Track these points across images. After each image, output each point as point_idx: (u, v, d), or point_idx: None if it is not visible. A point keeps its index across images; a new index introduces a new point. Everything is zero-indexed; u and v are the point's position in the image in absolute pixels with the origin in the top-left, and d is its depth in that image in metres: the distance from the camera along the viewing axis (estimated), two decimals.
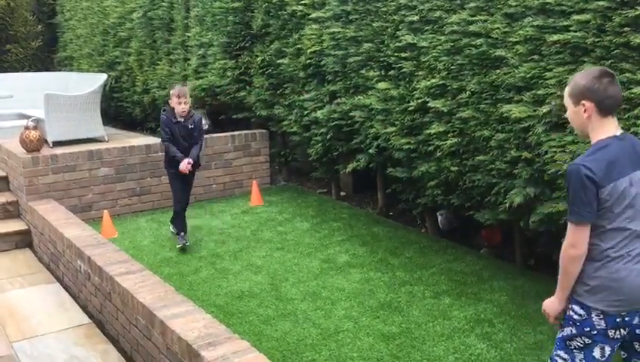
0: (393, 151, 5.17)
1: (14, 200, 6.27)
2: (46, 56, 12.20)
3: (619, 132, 2.36)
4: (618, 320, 2.31)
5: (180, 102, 5.15)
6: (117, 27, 9.57)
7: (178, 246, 5.38)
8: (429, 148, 4.81)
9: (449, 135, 4.61)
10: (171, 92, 5.28)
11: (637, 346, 2.39)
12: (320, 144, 6.18)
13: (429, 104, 4.70)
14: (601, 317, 2.31)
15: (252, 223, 6.06)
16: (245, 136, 7.22)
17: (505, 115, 4.08)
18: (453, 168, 4.66)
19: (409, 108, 4.91)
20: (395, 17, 5.01)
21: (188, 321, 3.18)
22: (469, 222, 5.15)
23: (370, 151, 5.49)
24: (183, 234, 5.45)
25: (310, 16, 5.95)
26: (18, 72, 11.08)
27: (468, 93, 4.41)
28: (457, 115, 4.50)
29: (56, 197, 6.03)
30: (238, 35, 7.00)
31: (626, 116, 3.46)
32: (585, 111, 2.34)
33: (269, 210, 6.48)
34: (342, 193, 6.97)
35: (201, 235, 5.72)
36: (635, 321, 2.33)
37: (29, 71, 11.48)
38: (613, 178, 2.26)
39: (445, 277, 4.63)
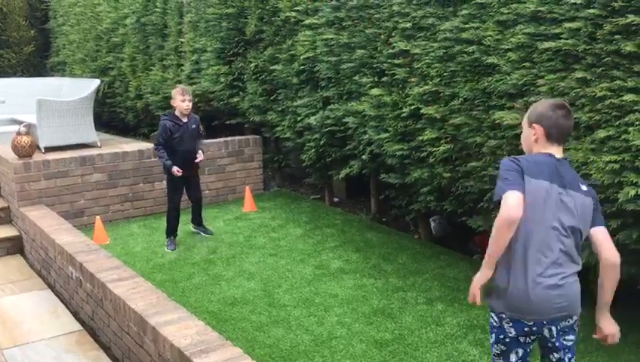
0: (386, 157, 5.18)
1: (6, 206, 6.24)
2: (39, 61, 12.18)
3: (559, 156, 2.49)
4: (526, 329, 2.43)
5: (184, 99, 5.35)
6: (110, 32, 9.56)
7: (168, 249, 5.50)
8: (422, 155, 4.82)
9: (442, 141, 4.63)
10: (174, 92, 5.45)
11: (552, 357, 2.50)
12: (313, 150, 6.19)
13: (421, 110, 4.72)
14: (511, 324, 2.45)
15: (245, 229, 6.05)
16: (238, 141, 7.22)
17: (497, 121, 4.10)
18: (445, 174, 4.67)
19: (402, 115, 4.93)
20: (388, 24, 5.03)
21: (180, 328, 3.17)
22: (461, 228, 5.16)
23: (364, 157, 5.50)
24: (173, 238, 5.57)
25: (304, 22, 5.96)
26: (11, 77, 11.05)
27: (460, 99, 4.43)
28: (450, 122, 4.52)
29: (48, 203, 6.00)
30: (232, 40, 7.01)
31: (617, 123, 3.48)
32: (534, 134, 2.51)
33: (262, 215, 6.47)
34: (335, 199, 6.97)
35: (194, 241, 5.71)
36: (545, 332, 2.44)
37: (21, 76, 11.46)
38: (535, 176, 2.37)
39: (438, 283, 4.63)
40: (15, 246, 5.91)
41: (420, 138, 4.77)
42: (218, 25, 7.10)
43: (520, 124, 3.94)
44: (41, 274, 5.33)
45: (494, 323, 2.52)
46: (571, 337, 2.47)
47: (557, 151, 2.50)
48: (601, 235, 2.44)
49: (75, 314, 4.47)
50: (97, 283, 3.96)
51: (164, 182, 6.63)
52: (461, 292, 4.45)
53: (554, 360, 2.50)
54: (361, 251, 5.33)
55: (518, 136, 4.01)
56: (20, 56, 11.81)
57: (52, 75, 11.58)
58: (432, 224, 5.77)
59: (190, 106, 5.40)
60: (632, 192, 3.36)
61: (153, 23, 8.49)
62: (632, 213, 3.45)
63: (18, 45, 11.77)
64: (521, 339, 2.46)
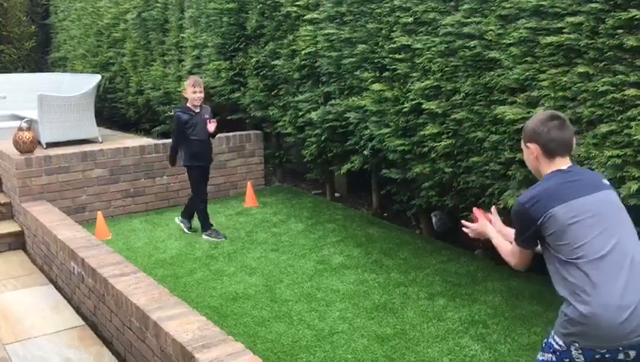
0: (387, 152, 5.18)
1: (7, 202, 6.24)
2: (40, 57, 12.17)
3: (565, 166, 2.38)
4: (597, 356, 2.22)
5: (194, 90, 5.55)
6: (111, 28, 9.55)
7: (218, 239, 5.57)
8: (424, 150, 4.81)
9: (443, 136, 4.62)
10: (185, 83, 5.68)
11: None
12: (314, 145, 6.18)
13: (423, 105, 4.71)
14: (580, 352, 2.24)
15: (246, 224, 6.05)
16: (240, 137, 7.21)
17: (499, 116, 4.09)
18: (447, 169, 4.67)
19: (403, 110, 4.92)
20: (390, 19, 5.01)
21: (182, 323, 3.17)
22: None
23: (365, 152, 5.49)
24: (212, 228, 5.71)
25: (305, 17, 5.95)
26: (12, 72, 11.04)
27: (462, 94, 4.42)
28: (451, 117, 4.51)
29: (50, 199, 6.00)
30: (233, 36, 6.99)
31: (619, 118, 3.48)
32: (532, 153, 2.43)
33: (263, 211, 6.48)
34: (336, 194, 6.97)
35: (195, 237, 5.71)
36: (620, 357, 2.23)
37: (22, 72, 11.45)
38: (549, 208, 2.25)
39: (440, 278, 4.63)
40: (17, 242, 5.92)
41: (422, 133, 4.76)
42: (219, 20, 7.08)
43: (521, 118, 3.94)
44: (43, 269, 5.33)
45: (558, 347, 2.30)
46: None
47: (562, 164, 2.36)
48: None
49: (77, 310, 4.48)
50: (99, 278, 3.96)
51: (166, 177, 6.67)
52: (462, 288, 4.45)
53: None
54: (362, 246, 5.33)
55: (519, 131, 4.01)
56: (20, 51, 11.80)
57: (53, 71, 11.57)
58: (434, 219, 5.77)
59: (201, 97, 5.58)
60: (635, 187, 3.36)
61: (154, 18, 8.47)
62: (635, 207, 3.44)
63: (19, 41, 11.76)
64: None
